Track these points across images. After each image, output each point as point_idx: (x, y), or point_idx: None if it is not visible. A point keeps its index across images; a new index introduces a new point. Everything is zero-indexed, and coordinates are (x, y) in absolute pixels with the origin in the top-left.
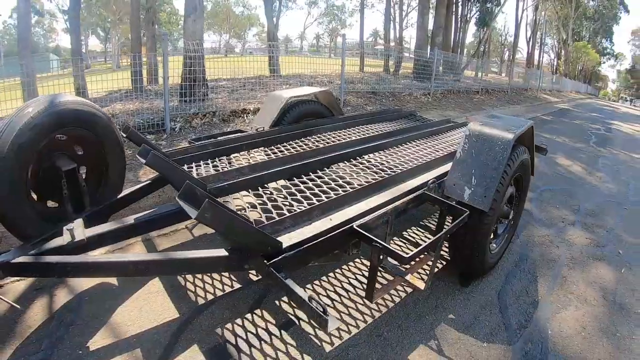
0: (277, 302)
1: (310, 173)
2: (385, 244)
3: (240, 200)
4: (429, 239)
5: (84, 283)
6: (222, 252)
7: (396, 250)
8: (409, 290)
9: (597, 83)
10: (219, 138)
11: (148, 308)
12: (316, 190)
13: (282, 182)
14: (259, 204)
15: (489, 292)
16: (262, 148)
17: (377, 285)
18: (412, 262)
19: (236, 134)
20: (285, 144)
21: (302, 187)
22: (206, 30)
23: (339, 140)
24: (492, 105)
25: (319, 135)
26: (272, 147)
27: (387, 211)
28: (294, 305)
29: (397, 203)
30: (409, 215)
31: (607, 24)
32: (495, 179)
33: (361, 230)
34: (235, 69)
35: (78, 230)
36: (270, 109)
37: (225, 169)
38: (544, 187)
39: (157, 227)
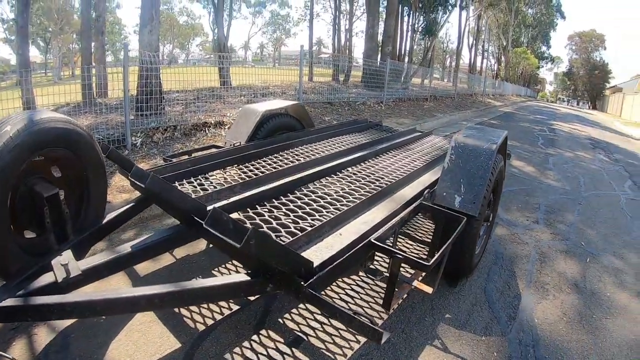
0: (280, 319)
1: (303, 188)
2: (406, 255)
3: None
4: (410, 244)
5: (65, 320)
6: (244, 277)
7: (417, 259)
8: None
9: (536, 86)
10: (194, 155)
11: (145, 340)
12: (315, 205)
13: (274, 198)
14: (264, 222)
15: (475, 290)
16: (239, 165)
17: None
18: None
19: (211, 150)
20: (265, 158)
21: (299, 202)
22: None
23: (315, 153)
24: (443, 112)
25: (295, 149)
26: (253, 163)
27: (396, 222)
28: (340, 322)
29: (402, 214)
30: None
31: (544, 30)
32: (483, 186)
33: (378, 243)
34: (185, 81)
35: (71, 263)
36: (245, 123)
37: (219, 187)
38: (505, 189)
39: (155, 254)
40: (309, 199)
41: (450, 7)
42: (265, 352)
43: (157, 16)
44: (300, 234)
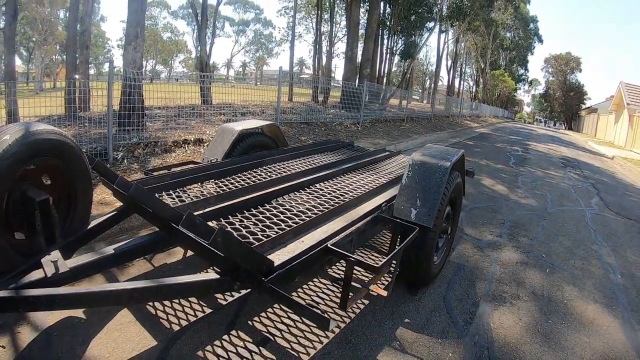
0: (249, 322)
1: (272, 201)
2: (357, 258)
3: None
4: (376, 256)
5: (48, 318)
6: (214, 275)
7: (367, 262)
8: (366, 302)
9: (513, 107)
10: (173, 170)
11: (124, 338)
12: (282, 216)
13: (245, 209)
14: (234, 230)
15: (435, 297)
16: (215, 180)
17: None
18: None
19: (189, 165)
20: (240, 174)
21: (267, 214)
22: None
23: (287, 170)
24: (419, 133)
25: (268, 166)
26: (228, 178)
27: (352, 231)
28: (295, 312)
29: (359, 224)
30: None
31: (522, 53)
32: (437, 200)
33: (335, 248)
34: (167, 98)
35: (60, 261)
36: (221, 141)
37: (195, 199)
38: (472, 206)
39: (135, 257)
40: (277, 211)
41: (428, 31)
42: (234, 350)
43: (141, 34)
44: (265, 240)
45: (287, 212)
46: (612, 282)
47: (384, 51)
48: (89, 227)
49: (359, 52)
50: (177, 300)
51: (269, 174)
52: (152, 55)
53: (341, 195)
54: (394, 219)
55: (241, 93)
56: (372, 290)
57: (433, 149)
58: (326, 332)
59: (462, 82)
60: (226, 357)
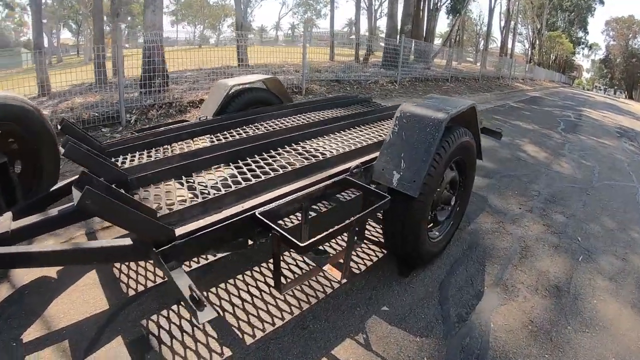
0: (204, 292)
1: (239, 161)
2: (282, 232)
3: (160, 189)
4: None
5: (26, 276)
6: (128, 241)
7: (292, 239)
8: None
9: (571, 72)
10: (160, 128)
11: (81, 300)
12: (239, 177)
13: (213, 170)
14: (189, 189)
15: (430, 282)
16: (202, 137)
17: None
18: (327, 252)
19: (178, 124)
20: (225, 132)
21: (233, 172)
22: (180, 21)
23: (277, 127)
24: (461, 93)
25: (261, 123)
26: (217, 135)
27: (297, 197)
28: (177, 294)
29: (311, 189)
30: None
31: (581, 15)
32: (426, 162)
33: (262, 218)
34: (206, 60)
35: (5, 222)
36: (214, 97)
37: (157, 159)
38: (505, 173)
39: (82, 219)
40: (240, 171)
41: None
42: (178, 323)
43: None
44: (198, 201)
45: (248, 173)
46: None
47: (430, 7)
48: (51, 190)
49: (400, 8)
50: (142, 264)
51: (256, 131)
52: (199, 20)
53: (322, 154)
54: (367, 184)
55: (278, 52)
56: (327, 271)
57: (432, 100)
58: (283, 313)
59: (514, 43)
60: (167, 329)
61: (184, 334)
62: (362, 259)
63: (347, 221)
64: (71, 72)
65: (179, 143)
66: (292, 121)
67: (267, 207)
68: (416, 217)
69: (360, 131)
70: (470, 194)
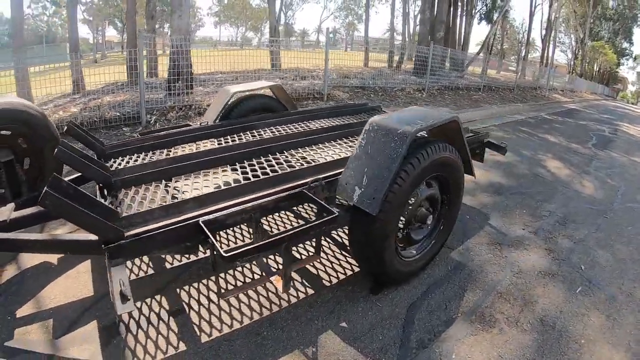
0: (177, 289)
1: (219, 168)
2: (213, 241)
3: (139, 192)
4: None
5: (30, 261)
6: (93, 237)
7: (218, 248)
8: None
9: (615, 85)
10: (162, 132)
11: (72, 285)
12: (210, 185)
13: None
14: (153, 195)
15: (399, 302)
16: (199, 142)
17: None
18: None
19: (180, 128)
20: (221, 139)
21: (200, 182)
22: (223, 22)
23: (271, 136)
24: (492, 103)
25: (258, 130)
26: (212, 141)
27: (245, 208)
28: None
29: (260, 201)
30: None
31: (626, 25)
32: (387, 179)
33: (203, 226)
34: (242, 62)
35: (6, 212)
36: (216, 104)
37: (143, 162)
38: (516, 190)
39: None
40: (215, 178)
41: None
42: (147, 315)
43: (186, 2)
44: (162, 206)
45: (220, 180)
46: None
47: (465, 15)
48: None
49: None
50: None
51: (250, 138)
52: (242, 22)
53: (302, 164)
54: (314, 199)
55: (311, 57)
56: (273, 281)
57: (410, 111)
58: (243, 317)
59: (554, 52)
60: (137, 319)
61: (150, 325)
62: (337, 271)
63: (280, 236)
64: (105, 72)
65: (176, 147)
66: (288, 129)
67: (212, 216)
68: (377, 235)
69: (349, 142)
70: (458, 212)
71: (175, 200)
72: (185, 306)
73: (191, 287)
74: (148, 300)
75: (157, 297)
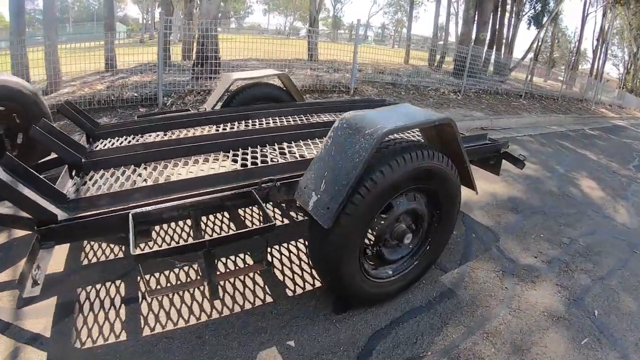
0: (138, 277)
1: (191, 157)
2: (130, 237)
3: (106, 175)
4: None
5: (21, 231)
6: (29, 216)
7: (132, 245)
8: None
9: None
10: (158, 116)
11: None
12: (173, 175)
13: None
14: (117, 180)
15: (362, 328)
16: (188, 128)
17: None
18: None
19: (178, 113)
20: (213, 126)
21: (165, 170)
22: (272, 11)
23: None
24: (531, 111)
25: (254, 120)
26: (202, 128)
27: (182, 204)
28: None
29: (200, 198)
30: None
31: None
32: (345, 186)
33: (130, 218)
34: (280, 51)
35: None
36: (217, 90)
37: (120, 146)
38: (538, 209)
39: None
40: (180, 168)
41: None
42: (104, 298)
43: None
44: (110, 192)
45: (183, 171)
46: None
47: (512, 17)
48: (39, 162)
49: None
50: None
51: (243, 127)
52: (290, 11)
53: (278, 161)
54: (259, 202)
55: (351, 50)
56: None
57: (393, 109)
58: (191, 317)
59: (604, 64)
60: (92, 301)
61: (102, 310)
62: (305, 281)
63: (200, 240)
64: (141, 53)
65: (166, 132)
66: (285, 121)
67: (144, 209)
68: (332, 250)
69: None
70: (451, 231)
71: (124, 189)
72: (140, 296)
73: (152, 277)
74: (108, 283)
75: (117, 282)
